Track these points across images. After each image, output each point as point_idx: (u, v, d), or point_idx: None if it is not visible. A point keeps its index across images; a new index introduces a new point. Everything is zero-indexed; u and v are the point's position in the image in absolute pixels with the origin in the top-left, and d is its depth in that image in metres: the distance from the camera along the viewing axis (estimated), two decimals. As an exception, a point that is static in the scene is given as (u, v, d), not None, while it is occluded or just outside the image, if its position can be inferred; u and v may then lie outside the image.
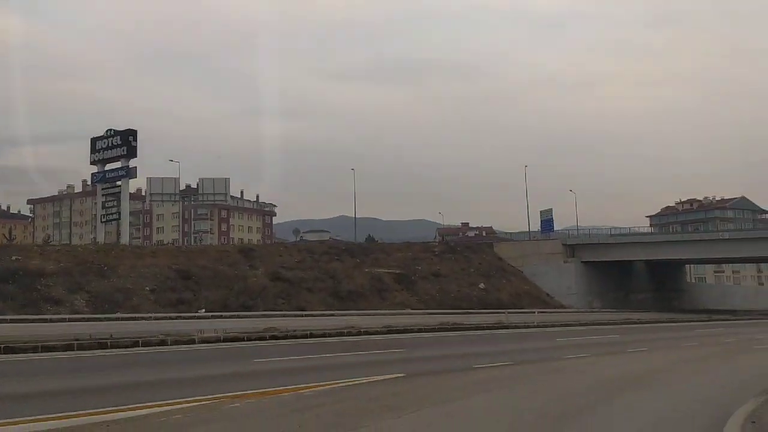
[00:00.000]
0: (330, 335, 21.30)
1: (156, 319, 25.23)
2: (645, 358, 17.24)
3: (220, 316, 27.38)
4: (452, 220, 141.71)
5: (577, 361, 15.83)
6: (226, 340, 19.77)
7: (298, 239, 71.58)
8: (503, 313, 29.53)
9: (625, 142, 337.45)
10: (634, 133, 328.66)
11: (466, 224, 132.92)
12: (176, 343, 18.78)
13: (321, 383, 10.66)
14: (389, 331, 22.17)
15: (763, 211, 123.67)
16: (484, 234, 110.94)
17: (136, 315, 27.49)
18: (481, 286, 50.04)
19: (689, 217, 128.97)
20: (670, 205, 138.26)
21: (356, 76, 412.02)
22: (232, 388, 10.11)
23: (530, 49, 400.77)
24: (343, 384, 10.61)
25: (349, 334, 21.99)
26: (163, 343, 18.65)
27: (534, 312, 32.38)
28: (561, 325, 30.08)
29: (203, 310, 31.76)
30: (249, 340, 19.99)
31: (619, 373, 13.36)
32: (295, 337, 20.83)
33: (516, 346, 19.58)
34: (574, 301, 54.21)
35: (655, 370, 13.86)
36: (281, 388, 10.21)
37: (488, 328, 26.20)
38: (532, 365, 14.68)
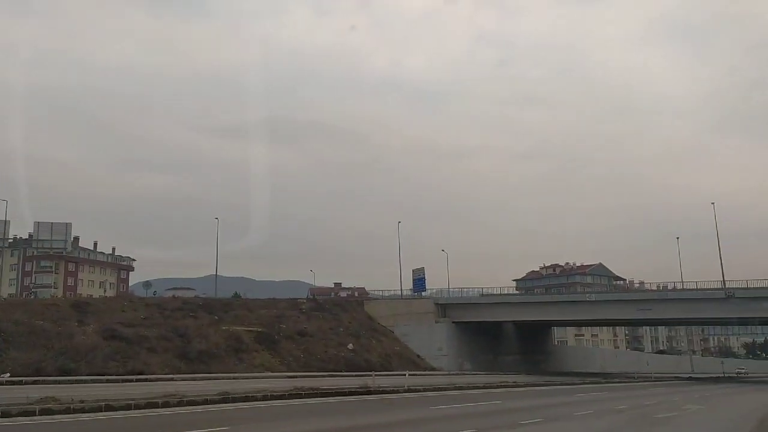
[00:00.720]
0: (139, 406, 16.37)
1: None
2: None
3: (21, 383, 21.80)
4: (327, 281, 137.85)
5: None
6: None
7: (152, 294, 64.64)
8: (370, 375, 26.04)
9: (495, 210, 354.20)
10: (503, 201, 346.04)
11: (338, 284, 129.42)
12: None
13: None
14: (223, 400, 17.31)
15: (618, 278, 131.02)
16: (356, 294, 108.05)
17: None
18: (350, 346, 46.59)
19: (552, 281, 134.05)
20: (535, 269, 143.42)
21: (241, 133, 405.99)
22: None
23: (409, 119, 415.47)
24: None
25: (165, 405, 16.75)
26: None
27: (405, 374, 29.19)
28: (434, 390, 27.00)
29: (7, 375, 25.81)
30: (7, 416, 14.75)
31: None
32: (80, 411, 15.71)
33: (382, 418, 15.99)
34: (444, 362, 52.16)
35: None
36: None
37: (352, 392, 22.23)
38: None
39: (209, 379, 28.25)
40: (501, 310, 57.08)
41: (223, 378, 29.49)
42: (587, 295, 54.07)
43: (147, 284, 73.60)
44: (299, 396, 19.00)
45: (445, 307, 57.11)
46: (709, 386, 43.88)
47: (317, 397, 19.68)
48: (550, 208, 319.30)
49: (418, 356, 52.16)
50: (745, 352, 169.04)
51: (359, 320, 54.16)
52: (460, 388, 28.92)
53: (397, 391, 24.39)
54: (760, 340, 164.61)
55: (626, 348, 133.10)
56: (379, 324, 54.97)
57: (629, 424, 15.43)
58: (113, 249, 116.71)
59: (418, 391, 25.68)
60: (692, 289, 51.74)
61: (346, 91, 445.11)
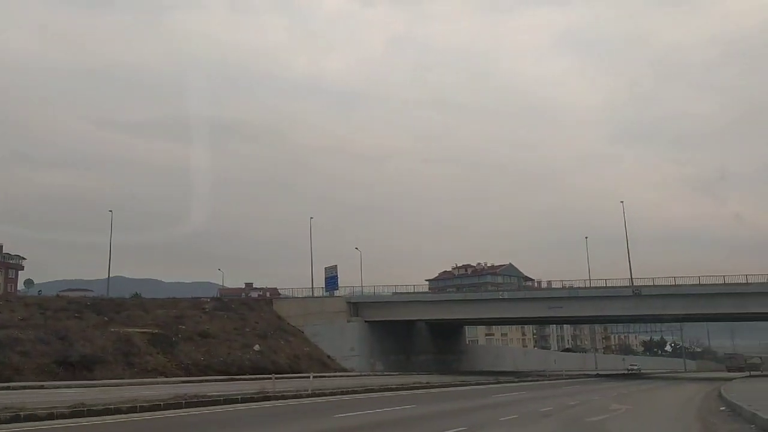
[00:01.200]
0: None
1: None
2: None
3: None
4: (239, 282, 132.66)
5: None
6: None
7: (36, 293, 58.85)
8: (269, 379, 23.50)
9: (411, 211, 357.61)
10: (419, 203, 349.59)
11: (250, 284, 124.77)
12: None
13: None
14: (75, 414, 13.73)
15: (527, 278, 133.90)
16: (267, 295, 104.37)
17: None
18: (256, 348, 43.77)
19: (464, 281, 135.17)
20: (447, 269, 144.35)
21: (151, 131, 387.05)
22: None
23: (328, 119, 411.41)
24: None
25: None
26: None
27: (309, 377, 26.84)
28: (342, 393, 24.79)
29: None
30: None
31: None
32: None
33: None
34: (356, 363, 50.27)
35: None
36: None
37: (245, 399, 19.41)
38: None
39: (89, 386, 24.88)
40: (414, 308, 55.82)
41: (106, 385, 26.17)
42: (500, 293, 53.81)
43: (29, 282, 67.05)
44: (179, 406, 15.92)
45: (357, 306, 55.21)
46: (619, 383, 44.34)
47: (201, 406, 16.71)
48: (463, 209, 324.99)
49: (329, 357, 49.98)
50: (643, 349, 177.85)
51: (267, 320, 51.35)
52: (371, 390, 26.89)
53: (300, 396, 22.00)
54: (657, 337, 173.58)
55: (534, 347, 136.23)
56: (289, 324, 52.37)
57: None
58: (0, 247, 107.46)
59: (324, 395, 23.41)
60: (601, 287, 52.36)
61: (265, 89, 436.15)
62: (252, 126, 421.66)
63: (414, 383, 32.90)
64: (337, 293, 57.58)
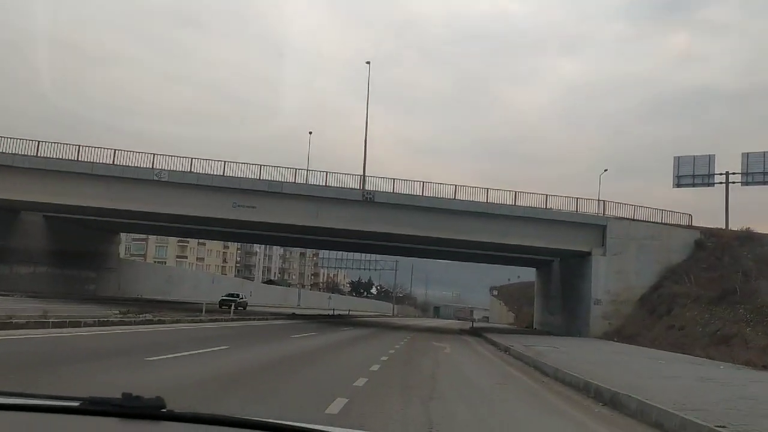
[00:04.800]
0: None
1: None
2: None
3: None
4: None
5: None
6: None
7: None
8: None
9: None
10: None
11: None
12: None
13: None
14: None
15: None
16: None
17: None
18: None
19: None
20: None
21: None
22: None
23: None
24: None
25: None
26: None
27: None
28: None
29: None
30: None
31: None
32: None
33: None
34: None
35: None
36: None
37: None
38: None
39: None
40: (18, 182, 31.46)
41: None
42: (156, 172, 31.98)
43: None
44: None
45: None
46: (364, 330, 28.21)
47: None
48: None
49: None
50: (350, 289, 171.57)
51: None
52: None
53: None
54: (366, 278, 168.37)
55: (236, 276, 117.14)
56: None
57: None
58: None
59: None
60: (320, 185, 33.97)
61: None
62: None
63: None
64: None
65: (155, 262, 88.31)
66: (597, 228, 36.16)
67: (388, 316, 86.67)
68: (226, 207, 33.14)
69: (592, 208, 36.53)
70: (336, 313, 54.20)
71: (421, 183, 34.73)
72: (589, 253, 35.88)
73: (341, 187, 34.12)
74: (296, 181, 33.65)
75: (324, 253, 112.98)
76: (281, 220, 33.54)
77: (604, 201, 36.73)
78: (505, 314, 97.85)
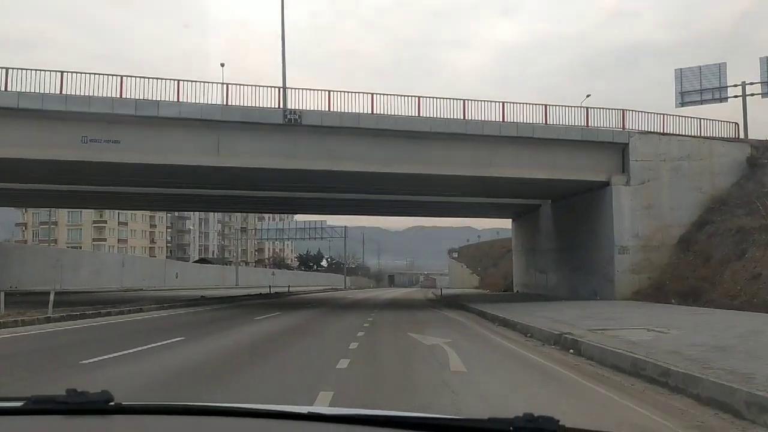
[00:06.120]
0: None
1: None
2: None
3: None
4: None
5: None
6: None
7: None
8: None
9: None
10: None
11: None
12: None
13: None
14: None
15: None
16: None
17: None
18: None
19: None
20: None
21: None
22: None
23: None
24: None
25: None
26: None
27: None
28: None
29: None
30: None
31: None
32: None
33: None
34: None
35: None
36: None
37: None
38: None
39: None
40: None
41: None
42: None
43: None
44: None
45: None
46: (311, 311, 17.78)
47: None
48: None
49: None
50: (298, 263, 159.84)
51: None
52: None
53: None
54: (315, 250, 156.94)
55: (168, 258, 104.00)
56: None
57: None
58: None
59: None
60: (219, 105, 22.66)
61: None
62: None
63: None
64: None
65: (49, 245, 72.26)
66: (615, 148, 26.11)
67: (340, 290, 75.85)
68: (72, 143, 21.43)
69: (606, 123, 26.42)
70: (273, 291, 42.95)
71: (370, 96, 23.83)
72: (606, 183, 25.84)
73: (252, 107, 22.85)
74: (181, 100, 22.12)
75: (265, 224, 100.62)
76: (160, 159, 21.95)
77: (623, 110, 26.51)
78: (468, 277, 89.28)
